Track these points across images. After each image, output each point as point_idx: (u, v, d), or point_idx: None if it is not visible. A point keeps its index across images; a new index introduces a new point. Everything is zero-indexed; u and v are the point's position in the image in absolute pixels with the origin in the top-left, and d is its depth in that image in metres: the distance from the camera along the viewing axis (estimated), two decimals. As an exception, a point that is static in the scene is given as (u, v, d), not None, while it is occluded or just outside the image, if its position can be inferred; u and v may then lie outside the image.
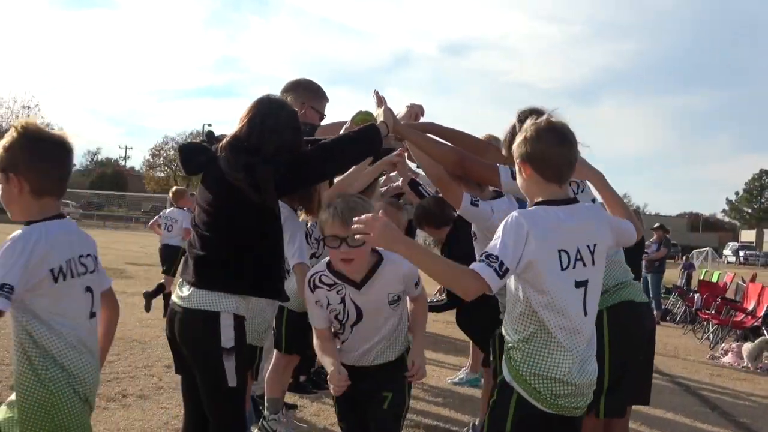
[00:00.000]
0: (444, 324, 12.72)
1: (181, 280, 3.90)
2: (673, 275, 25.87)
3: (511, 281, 3.35)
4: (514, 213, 3.28)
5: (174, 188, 14.15)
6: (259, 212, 3.77)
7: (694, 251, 52.28)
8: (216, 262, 3.76)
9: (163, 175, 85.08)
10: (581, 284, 3.27)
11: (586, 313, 3.29)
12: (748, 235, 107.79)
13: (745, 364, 11.89)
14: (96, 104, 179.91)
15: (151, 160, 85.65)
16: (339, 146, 3.95)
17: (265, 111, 3.83)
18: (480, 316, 5.83)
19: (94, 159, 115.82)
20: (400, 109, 4.75)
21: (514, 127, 4.68)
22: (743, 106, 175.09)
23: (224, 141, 3.81)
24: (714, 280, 19.67)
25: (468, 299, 3.23)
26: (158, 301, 13.83)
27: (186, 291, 3.78)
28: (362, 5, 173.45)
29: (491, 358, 5.84)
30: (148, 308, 12.56)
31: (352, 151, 4.01)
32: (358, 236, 3.21)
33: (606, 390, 3.96)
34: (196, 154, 3.94)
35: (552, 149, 3.33)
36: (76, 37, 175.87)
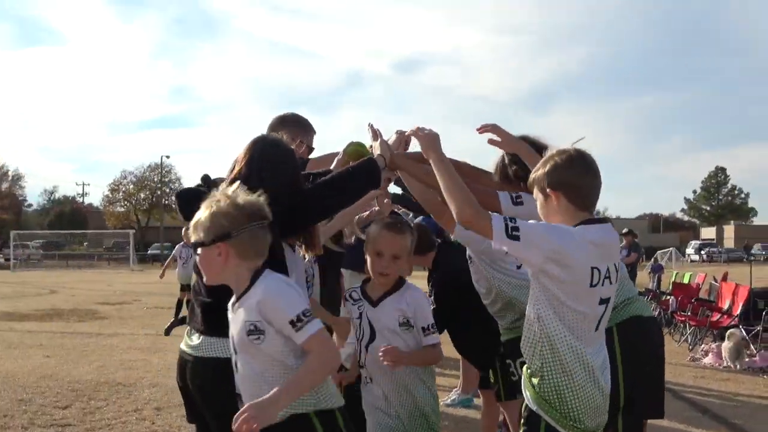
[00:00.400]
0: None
1: (189, 328, 3.86)
2: (642, 278, 26.07)
3: (530, 305, 3.38)
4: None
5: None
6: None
7: (658, 252, 52.83)
8: (224, 308, 3.72)
9: (123, 209, 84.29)
10: (604, 302, 3.31)
11: (597, 329, 3.32)
12: (708, 233, 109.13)
13: (725, 363, 12.01)
14: (48, 142, 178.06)
15: (111, 196, 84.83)
16: (339, 183, 3.93)
17: (262, 151, 3.80)
18: (479, 339, 5.82)
19: (51, 198, 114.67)
20: (389, 137, 4.75)
21: (503, 157, 4.72)
22: (695, 106, 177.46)
23: (223, 184, 3.77)
24: (686, 281, 19.82)
25: (458, 222, 3.48)
26: (136, 340, 13.72)
27: (196, 339, 3.74)
28: (312, 27, 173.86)
29: (492, 381, 5.84)
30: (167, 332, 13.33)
31: (352, 187, 3.99)
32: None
33: (622, 408, 3.98)
34: (195, 200, 3.89)
35: (584, 177, 3.36)
36: (24, 76, 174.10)
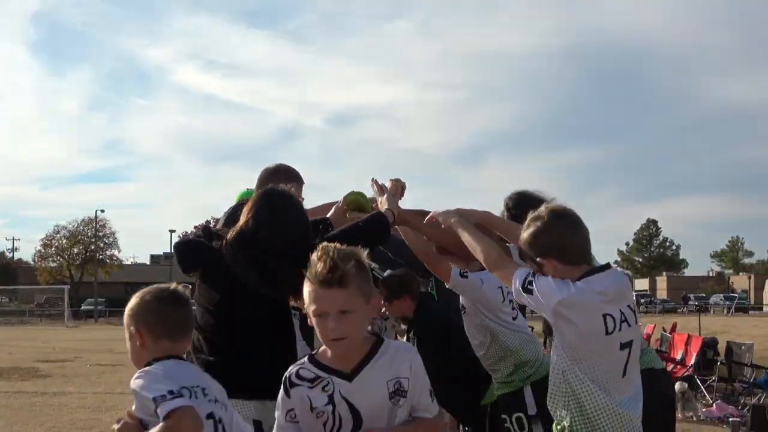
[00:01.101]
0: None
1: None
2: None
3: (553, 360, 3.32)
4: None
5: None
6: (272, 309, 3.61)
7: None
8: (230, 369, 3.56)
9: (55, 264, 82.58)
10: (626, 346, 3.26)
11: (624, 374, 3.26)
12: (641, 284, 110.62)
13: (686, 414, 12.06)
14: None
15: (43, 251, 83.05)
16: (350, 237, 3.81)
17: (271, 205, 3.67)
18: (462, 388, 5.72)
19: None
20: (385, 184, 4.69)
21: (502, 214, 4.68)
22: (625, 159, 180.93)
23: (229, 237, 3.63)
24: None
25: (485, 265, 3.55)
26: (84, 398, 13.34)
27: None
28: (246, 82, 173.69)
29: None
30: None
31: (362, 241, 3.88)
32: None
33: None
34: (196, 252, 3.76)
35: (567, 236, 3.33)
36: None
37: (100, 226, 79.65)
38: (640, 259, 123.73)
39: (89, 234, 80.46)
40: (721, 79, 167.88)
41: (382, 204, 4.14)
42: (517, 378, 5.10)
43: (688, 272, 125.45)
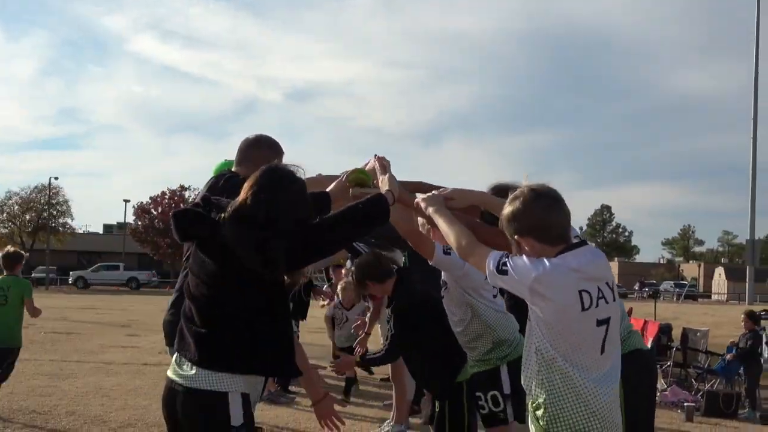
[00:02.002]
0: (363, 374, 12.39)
1: (178, 355, 3.67)
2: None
3: (528, 339, 3.36)
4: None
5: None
6: (268, 286, 3.59)
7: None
8: (222, 341, 3.54)
9: (6, 231, 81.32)
10: (603, 322, 3.27)
11: (603, 351, 3.28)
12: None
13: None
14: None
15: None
16: (350, 218, 3.78)
17: (273, 184, 3.58)
18: (440, 364, 5.76)
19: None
20: (366, 161, 4.67)
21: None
22: (581, 145, 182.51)
23: (228, 213, 3.56)
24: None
25: (457, 253, 3.64)
26: (41, 366, 13.23)
27: (188, 369, 3.56)
28: (206, 54, 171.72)
29: (437, 410, 5.75)
30: None
31: (362, 223, 3.85)
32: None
33: None
34: (195, 222, 3.69)
35: (546, 215, 3.34)
36: None
37: (53, 193, 78.51)
38: (593, 244, 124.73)
39: (42, 201, 79.32)
40: (678, 69, 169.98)
41: (383, 183, 4.10)
42: (494, 357, 5.15)
43: (639, 259, 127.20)
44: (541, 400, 3.29)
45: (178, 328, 3.75)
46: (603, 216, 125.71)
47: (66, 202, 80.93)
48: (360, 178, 4.23)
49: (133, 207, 78.25)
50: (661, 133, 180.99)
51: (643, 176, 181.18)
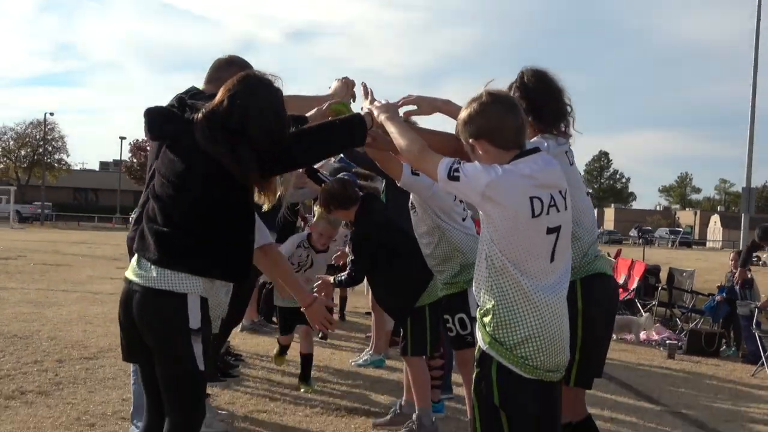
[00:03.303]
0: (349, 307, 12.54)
1: (137, 256, 3.63)
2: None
3: (480, 246, 3.33)
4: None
5: None
6: (235, 190, 3.53)
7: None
8: (184, 241, 3.49)
9: (1, 166, 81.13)
10: (553, 230, 3.25)
11: (552, 260, 3.26)
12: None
13: (622, 336, 12.26)
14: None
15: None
16: (324, 135, 3.72)
17: (250, 92, 3.53)
18: (396, 290, 5.76)
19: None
20: (332, 83, 4.59)
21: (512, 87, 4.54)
22: (581, 90, 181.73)
23: (201, 115, 3.50)
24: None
25: (402, 158, 3.71)
26: (26, 294, 13.25)
27: (146, 269, 3.52)
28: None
29: (401, 334, 5.77)
30: None
31: (336, 140, 3.79)
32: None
33: (577, 360, 3.94)
34: (166, 120, 3.64)
35: (501, 119, 3.29)
36: None
37: (48, 129, 78.19)
38: (590, 190, 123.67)
39: (37, 137, 79.01)
40: (680, 18, 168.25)
41: (365, 106, 4.04)
42: (461, 280, 5.13)
43: (636, 205, 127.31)
44: (489, 306, 3.27)
45: (138, 232, 3.71)
46: (601, 162, 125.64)
47: (62, 138, 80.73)
48: (340, 110, 4.17)
49: (129, 144, 78.15)
50: (662, 80, 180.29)
51: (643, 123, 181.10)
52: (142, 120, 3.68)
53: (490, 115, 3.28)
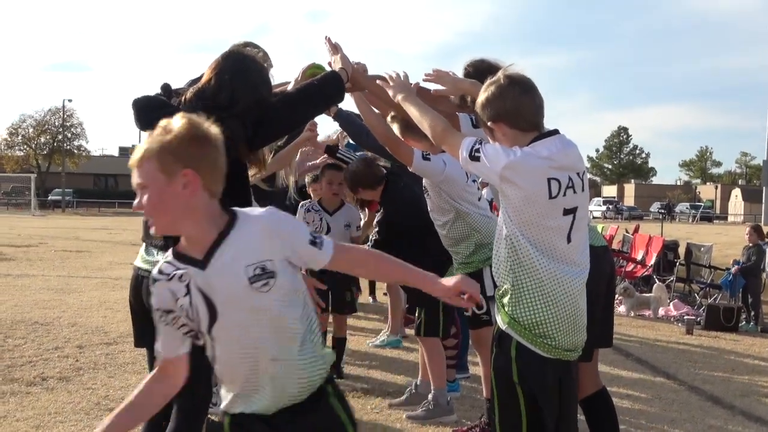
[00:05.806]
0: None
1: (145, 245, 3.69)
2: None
3: (499, 226, 3.37)
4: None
5: None
6: (230, 169, 3.57)
7: (563, 208, 53.68)
8: None
9: (22, 154, 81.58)
10: (570, 212, 3.29)
11: (570, 240, 3.29)
12: (609, 191, 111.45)
13: (641, 312, 12.26)
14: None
15: (9, 139, 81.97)
16: (305, 96, 3.84)
17: (235, 67, 3.64)
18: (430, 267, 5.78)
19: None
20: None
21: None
22: (599, 66, 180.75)
23: (189, 95, 3.58)
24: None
25: (432, 140, 3.60)
26: (48, 281, 13.36)
27: (153, 255, 3.60)
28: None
29: (416, 315, 5.80)
30: None
31: (318, 99, 3.94)
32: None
33: None
34: (154, 109, 3.69)
35: (520, 101, 3.32)
36: None
37: (67, 116, 78.56)
38: (610, 166, 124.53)
39: (56, 124, 79.37)
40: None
41: (335, 63, 4.11)
42: (477, 259, 5.15)
43: (656, 181, 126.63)
44: (507, 286, 3.32)
45: (143, 224, 3.77)
46: (620, 137, 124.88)
47: (80, 124, 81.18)
48: (315, 72, 4.22)
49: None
50: (682, 53, 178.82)
51: (662, 97, 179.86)
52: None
53: (507, 97, 3.31)
